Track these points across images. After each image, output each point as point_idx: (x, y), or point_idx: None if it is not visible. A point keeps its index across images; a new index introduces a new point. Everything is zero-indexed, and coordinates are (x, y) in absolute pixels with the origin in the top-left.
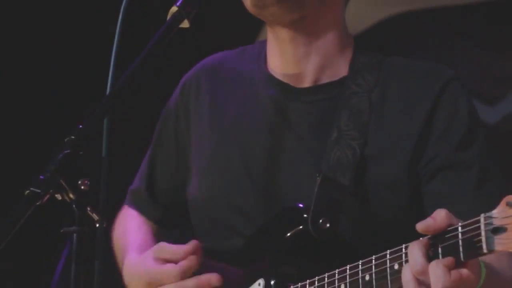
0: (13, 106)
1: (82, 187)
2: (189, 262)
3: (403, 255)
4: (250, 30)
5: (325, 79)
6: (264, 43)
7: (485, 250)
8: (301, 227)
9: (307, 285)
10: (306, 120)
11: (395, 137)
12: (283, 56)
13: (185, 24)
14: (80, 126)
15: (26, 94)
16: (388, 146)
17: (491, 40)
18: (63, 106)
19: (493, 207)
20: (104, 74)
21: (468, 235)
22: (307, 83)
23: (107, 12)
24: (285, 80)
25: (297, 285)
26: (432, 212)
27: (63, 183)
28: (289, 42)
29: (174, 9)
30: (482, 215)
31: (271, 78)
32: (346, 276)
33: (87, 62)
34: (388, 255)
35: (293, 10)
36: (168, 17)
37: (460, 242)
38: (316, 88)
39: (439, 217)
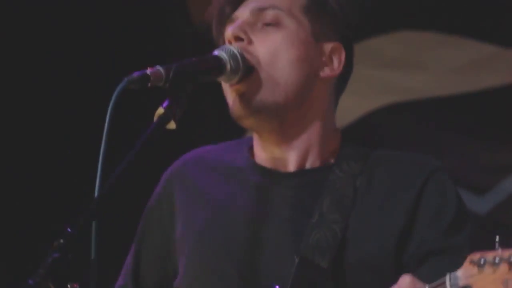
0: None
1: None
2: None
3: None
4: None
5: (309, 165)
6: (250, 139)
7: None
8: None
9: None
10: (289, 203)
11: (378, 222)
12: (265, 148)
13: (172, 125)
14: (69, 230)
15: (15, 204)
16: (371, 231)
17: (479, 130)
18: (51, 210)
19: None
20: (92, 177)
21: None
22: (291, 168)
23: (93, 116)
24: (269, 166)
25: None
26: None
27: None
28: (271, 143)
29: (160, 110)
30: (447, 275)
31: (256, 165)
32: None
33: (74, 165)
34: None
35: (271, 120)
36: (155, 118)
37: None
38: (301, 173)
39: (404, 283)
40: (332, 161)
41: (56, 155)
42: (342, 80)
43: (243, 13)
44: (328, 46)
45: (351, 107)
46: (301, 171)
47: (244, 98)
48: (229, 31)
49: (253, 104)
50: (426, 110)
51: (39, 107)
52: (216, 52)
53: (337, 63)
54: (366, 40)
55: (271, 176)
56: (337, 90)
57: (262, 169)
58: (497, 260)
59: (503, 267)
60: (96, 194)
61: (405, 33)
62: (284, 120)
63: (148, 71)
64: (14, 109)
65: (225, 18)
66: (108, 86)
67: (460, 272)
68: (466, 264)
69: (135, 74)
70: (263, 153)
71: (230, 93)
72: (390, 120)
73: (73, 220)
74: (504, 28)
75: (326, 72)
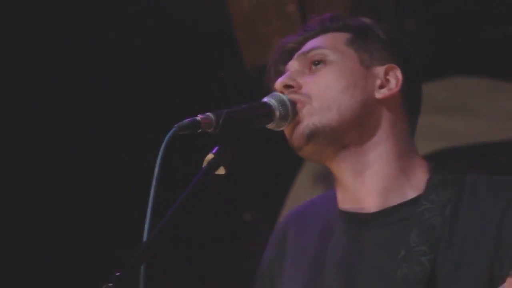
0: (53, 252)
1: None
2: None
3: None
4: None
5: (392, 202)
6: None
7: None
8: None
9: None
10: (378, 245)
11: (468, 252)
12: (344, 189)
13: (221, 170)
14: (118, 274)
15: (62, 243)
16: (462, 262)
17: None
18: (101, 253)
19: None
20: (141, 221)
21: None
22: (373, 207)
23: (145, 161)
24: (352, 209)
25: None
26: None
27: None
28: (342, 174)
29: (210, 156)
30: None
31: (341, 212)
32: None
33: (125, 208)
34: None
35: (329, 144)
36: (204, 164)
37: None
38: (384, 212)
39: None
40: (419, 192)
41: (108, 200)
42: (408, 98)
43: (292, 65)
44: (380, 70)
45: None
46: (385, 210)
47: (297, 128)
48: (278, 82)
49: (306, 130)
50: (477, 155)
51: (95, 154)
52: (265, 99)
53: (395, 82)
54: None
55: (355, 220)
56: (406, 110)
57: (346, 215)
58: None
59: None
60: (145, 238)
61: (457, 78)
62: (345, 144)
63: (199, 117)
64: (71, 160)
65: (279, 76)
66: (160, 132)
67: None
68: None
69: (186, 120)
70: (343, 195)
71: (287, 132)
72: (442, 166)
73: (122, 263)
74: None
75: (382, 93)
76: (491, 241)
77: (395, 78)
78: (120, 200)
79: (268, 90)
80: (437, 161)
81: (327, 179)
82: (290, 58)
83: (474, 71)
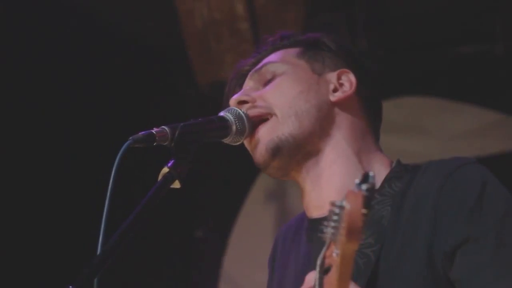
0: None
1: None
2: None
3: None
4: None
5: None
6: None
7: None
8: None
9: None
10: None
11: (409, 239)
12: (307, 196)
13: (176, 184)
14: (70, 287)
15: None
16: (403, 249)
17: None
18: (53, 267)
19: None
20: (95, 234)
21: None
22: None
23: (98, 174)
24: (316, 216)
25: None
26: None
27: None
28: (306, 182)
29: (165, 170)
30: None
31: (307, 220)
32: None
33: (78, 220)
34: None
35: (293, 155)
36: (159, 177)
37: None
38: None
39: None
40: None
41: (61, 212)
42: (365, 100)
43: (246, 84)
44: (333, 75)
45: None
46: None
47: (260, 144)
48: (232, 99)
49: (270, 144)
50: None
51: (51, 166)
52: (222, 113)
53: (348, 85)
54: None
55: (316, 225)
56: (363, 111)
57: (310, 222)
58: None
59: None
60: (98, 250)
61: (408, 98)
62: (307, 151)
63: (154, 130)
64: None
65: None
66: (113, 146)
67: None
68: None
69: (141, 133)
70: (308, 204)
71: (250, 148)
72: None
73: (75, 277)
74: (507, 95)
75: (337, 96)
76: (428, 223)
77: (348, 81)
78: (74, 212)
79: (222, 107)
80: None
81: (279, 196)
82: (245, 80)
83: (425, 91)
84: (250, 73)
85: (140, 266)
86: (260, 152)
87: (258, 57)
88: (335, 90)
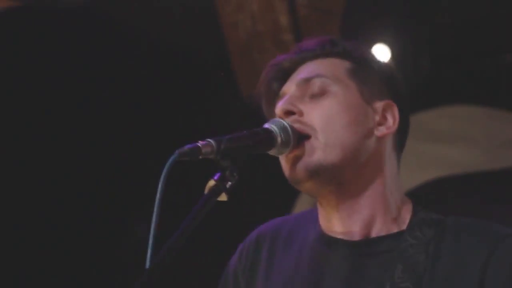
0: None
1: None
2: None
3: None
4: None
5: (375, 233)
6: None
7: None
8: None
9: None
10: (361, 274)
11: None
12: (330, 218)
13: (223, 197)
14: None
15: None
16: None
17: None
18: (103, 281)
19: None
20: (144, 249)
21: None
22: (356, 237)
23: (146, 188)
24: (337, 236)
25: None
26: None
27: None
28: (333, 207)
29: (211, 182)
30: None
31: (322, 235)
32: None
33: (127, 234)
34: None
35: (328, 183)
36: (206, 190)
37: None
38: (366, 242)
39: None
40: (403, 228)
41: (111, 226)
42: (400, 137)
43: (290, 88)
44: (379, 105)
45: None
46: (370, 239)
47: (301, 162)
48: (278, 107)
49: (310, 166)
50: (475, 184)
51: (95, 186)
52: (266, 125)
53: (392, 120)
54: (416, 114)
55: (337, 246)
56: (396, 148)
57: (330, 240)
58: None
59: None
60: (147, 265)
61: (455, 107)
62: (342, 182)
63: (199, 143)
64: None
65: (273, 95)
66: (159, 159)
67: None
68: None
69: (187, 147)
70: (327, 222)
71: (285, 160)
72: (437, 194)
73: None
74: None
75: (381, 130)
76: (475, 280)
77: (393, 117)
78: (123, 227)
79: (259, 107)
80: (418, 200)
81: None
82: (284, 77)
83: (472, 99)
84: (298, 78)
85: (188, 279)
86: (298, 169)
87: (302, 55)
88: (379, 124)
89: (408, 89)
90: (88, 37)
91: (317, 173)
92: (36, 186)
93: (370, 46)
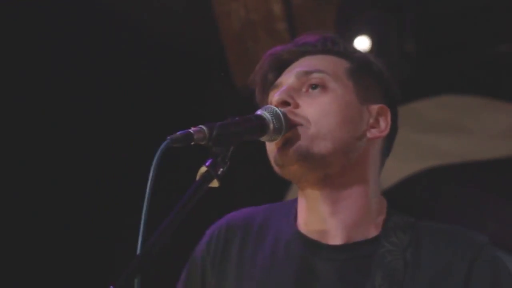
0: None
1: None
2: None
3: None
4: (278, 189)
5: (356, 238)
6: (294, 201)
7: None
8: None
9: None
10: (340, 278)
11: None
12: (310, 214)
13: (215, 183)
14: (112, 287)
15: (55, 261)
16: None
17: None
18: (95, 267)
19: None
20: (134, 235)
21: None
22: (337, 240)
23: (137, 174)
24: (314, 237)
25: None
26: None
27: None
28: (315, 200)
29: (203, 169)
30: None
31: (299, 235)
32: None
33: (117, 221)
34: None
35: (315, 169)
36: (197, 177)
37: None
38: (348, 247)
39: None
40: (379, 231)
41: (101, 213)
42: (388, 142)
43: (288, 79)
44: (374, 108)
45: (392, 170)
46: (348, 245)
47: (290, 144)
48: (275, 97)
49: (300, 150)
50: (468, 173)
51: (88, 168)
52: (259, 112)
53: (384, 125)
54: (409, 103)
55: (316, 248)
56: (383, 152)
57: (306, 241)
58: None
59: None
60: (139, 251)
61: (448, 97)
62: (329, 173)
63: (192, 129)
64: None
65: (268, 85)
66: (151, 146)
67: None
68: None
69: (179, 133)
70: (308, 220)
71: (275, 143)
72: (431, 184)
73: (116, 277)
74: None
75: (374, 133)
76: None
77: (385, 121)
78: (113, 213)
79: (253, 95)
80: (388, 200)
81: None
82: (281, 67)
83: (465, 89)
84: (297, 70)
85: (179, 266)
86: (287, 151)
87: (302, 49)
88: (372, 126)
89: (397, 78)
90: (82, 26)
91: (306, 157)
92: (36, 186)
93: (362, 35)
